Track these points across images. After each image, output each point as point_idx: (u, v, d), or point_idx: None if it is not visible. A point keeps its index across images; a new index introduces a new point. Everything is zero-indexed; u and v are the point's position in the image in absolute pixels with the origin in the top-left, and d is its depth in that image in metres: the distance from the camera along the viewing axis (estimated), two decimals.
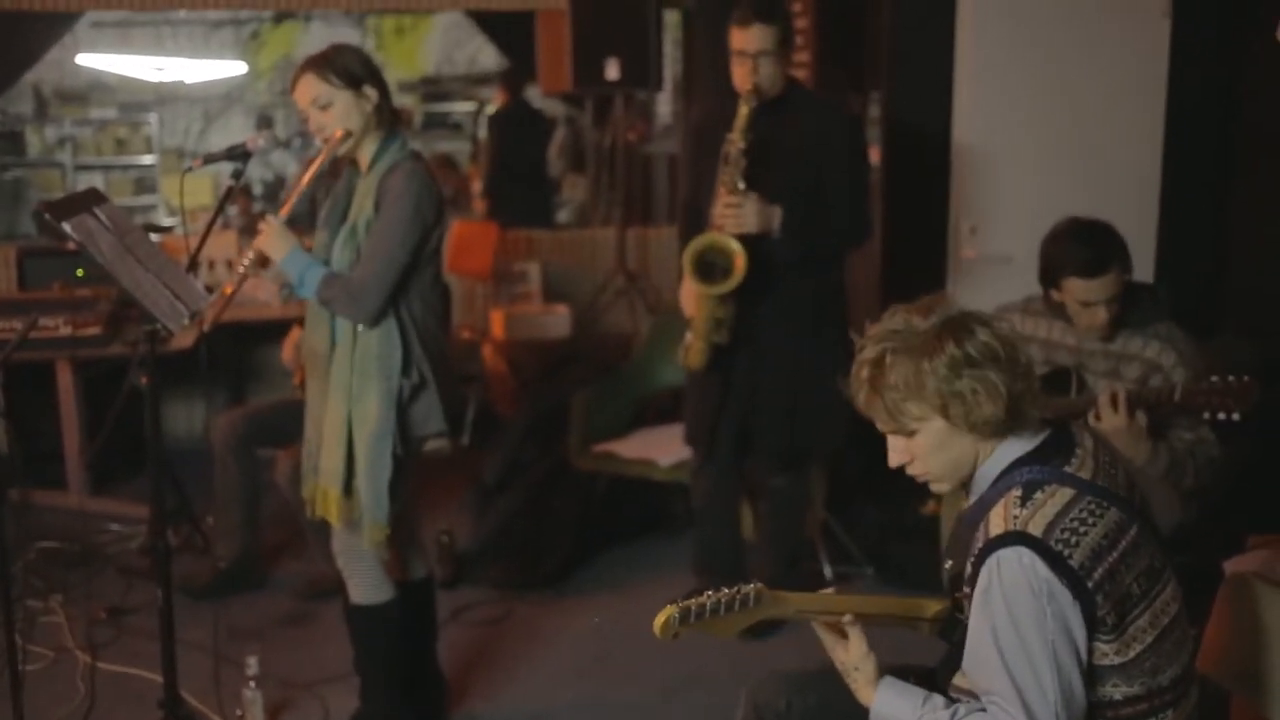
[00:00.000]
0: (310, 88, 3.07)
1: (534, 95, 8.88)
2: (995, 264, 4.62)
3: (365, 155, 3.16)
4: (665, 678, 3.84)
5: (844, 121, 4.04)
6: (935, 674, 2.29)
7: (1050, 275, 3.38)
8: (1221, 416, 3.14)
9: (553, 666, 3.98)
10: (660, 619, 2.08)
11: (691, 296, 3.88)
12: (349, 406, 3.14)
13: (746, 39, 3.74)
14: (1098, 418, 3.22)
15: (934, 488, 2.23)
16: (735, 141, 3.72)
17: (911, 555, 4.37)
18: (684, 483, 4.55)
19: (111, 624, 4.18)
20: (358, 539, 3.25)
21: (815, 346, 3.93)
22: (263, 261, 3.15)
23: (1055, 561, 1.99)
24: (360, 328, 3.12)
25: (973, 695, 2.11)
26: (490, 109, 9.21)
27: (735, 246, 3.70)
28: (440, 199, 3.19)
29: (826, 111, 4.04)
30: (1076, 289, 3.30)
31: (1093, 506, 2.04)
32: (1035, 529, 2.01)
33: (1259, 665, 2.74)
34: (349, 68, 3.08)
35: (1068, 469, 2.09)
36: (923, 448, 2.13)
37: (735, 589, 2.14)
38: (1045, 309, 3.52)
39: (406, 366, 3.15)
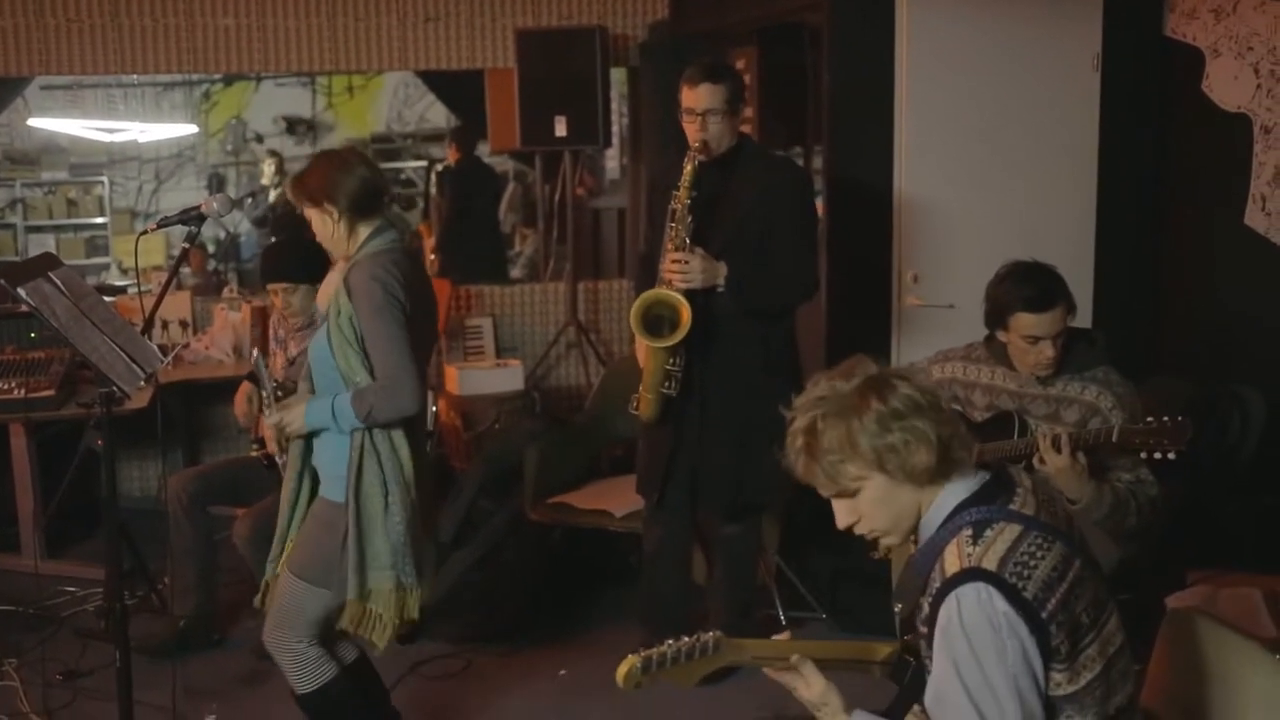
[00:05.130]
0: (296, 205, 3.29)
1: (484, 151, 8.95)
2: (938, 311, 4.72)
3: (352, 255, 3.25)
4: None
5: (792, 177, 4.09)
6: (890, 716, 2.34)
7: (998, 314, 3.44)
8: (1158, 456, 3.23)
9: (511, 719, 3.99)
10: (623, 669, 2.13)
11: (643, 349, 3.94)
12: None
13: (695, 98, 3.83)
14: (1041, 461, 3.31)
15: (883, 543, 2.28)
16: (680, 198, 3.79)
17: (863, 600, 4.41)
18: (638, 532, 4.58)
19: (68, 687, 4.15)
20: (287, 630, 3.21)
21: (763, 398, 3.94)
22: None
23: (1011, 594, 2.05)
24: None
25: None
26: (440, 165, 9.27)
27: (680, 301, 3.76)
28: (403, 282, 3.16)
29: (775, 167, 4.09)
30: (1025, 324, 3.37)
31: (1040, 540, 2.12)
32: (990, 564, 2.08)
33: (1201, 699, 2.79)
34: (309, 190, 3.21)
35: (1011, 506, 2.16)
36: (867, 505, 2.18)
37: (695, 637, 2.20)
38: (988, 355, 3.60)
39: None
